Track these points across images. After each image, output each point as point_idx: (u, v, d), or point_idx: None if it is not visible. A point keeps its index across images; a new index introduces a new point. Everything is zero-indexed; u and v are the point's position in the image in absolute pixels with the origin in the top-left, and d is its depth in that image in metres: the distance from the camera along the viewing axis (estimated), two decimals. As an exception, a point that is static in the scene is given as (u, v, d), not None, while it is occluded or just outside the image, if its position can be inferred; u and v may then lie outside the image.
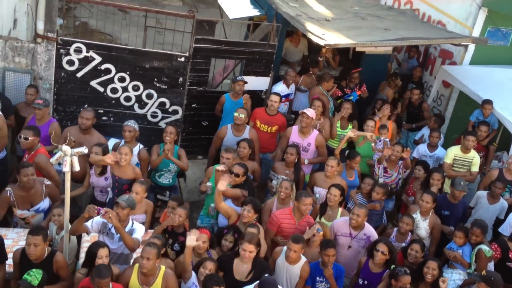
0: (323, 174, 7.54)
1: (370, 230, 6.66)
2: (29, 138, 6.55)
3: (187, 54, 8.47)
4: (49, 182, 6.37)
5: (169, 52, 8.50)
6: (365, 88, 9.91)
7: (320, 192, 7.44)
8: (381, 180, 8.00)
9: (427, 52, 11.06)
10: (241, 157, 7.53)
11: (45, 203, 6.35)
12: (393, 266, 6.16)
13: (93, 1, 8.36)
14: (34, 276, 4.83)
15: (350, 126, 8.84)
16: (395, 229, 7.08)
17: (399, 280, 5.77)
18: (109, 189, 6.94)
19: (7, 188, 6.26)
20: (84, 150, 5.37)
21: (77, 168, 5.27)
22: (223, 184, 6.31)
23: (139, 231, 5.81)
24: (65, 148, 5.23)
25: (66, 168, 5.23)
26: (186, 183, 8.47)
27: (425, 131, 9.42)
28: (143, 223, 6.39)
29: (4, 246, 5.42)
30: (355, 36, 8.79)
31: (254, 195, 7.27)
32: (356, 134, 8.30)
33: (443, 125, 9.76)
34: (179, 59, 8.47)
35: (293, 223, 6.58)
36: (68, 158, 5.20)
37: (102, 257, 5.25)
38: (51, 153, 6.81)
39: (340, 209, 6.99)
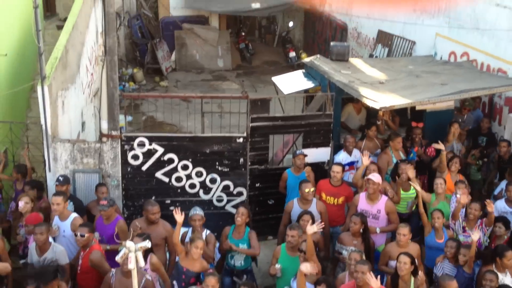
0: (395, 244, 7.21)
1: None
2: (85, 235, 6.72)
3: (244, 134, 8.61)
4: (149, 277, 6.39)
5: (227, 134, 8.69)
6: (433, 149, 9.53)
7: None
8: (460, 238, 7.54)
9: (492, 102, 10.67)
10: (304, 231, 7.38)
11: None
12: None
13: (155, 96, 8.77)
14: None
15: (412, 190, 8.48)
16: None
17: None
18: (174, 282, 6.93)
19: (112, 270, 6.37)
20: (147, 244, 5.43)
21: (142, 263, 5.32)
22: (307, 267, 6.17)
23: None
24: (129, 244, 5.30)
25: (132, 265, 5.28)
26: (258, 267, 8.33)
27: (504, 185, 8.90)
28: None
29: None
30: (410, 95, 8.66)
31: (325, 272, 7.05)
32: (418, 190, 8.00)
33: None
34: (237, 140, 8.62)
35: None
36: (132, 254, 5.26)
37: None
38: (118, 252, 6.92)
39: (413, 279, 6.61)
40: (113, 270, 6.39)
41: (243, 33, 19.63)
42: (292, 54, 18.55)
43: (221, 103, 10.63)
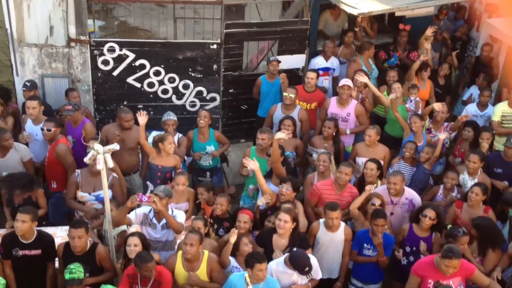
0: (364, 143, 7.41)
1: (411, 193, 6.56)
2: (52, 129, 6.80)
3: (218, 41, 8.44)
4: (116, 175, 6.53)
5: (200, 41, 8.51)
6: (415, 53, 9.48)
7: (363, 162, 7.29)
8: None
9: (472, 8, 10.52)
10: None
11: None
12: (449, 226, 6.11)
13: (122, -1, 8.44)
14: (77, 271, 4.94)
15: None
16: (441, 186, 6.89)
17: (458, 241, 5.60)
18: (148, 182, 7.06)
19: (76, 170, 6.57)
20: (116, 146, 5.46)
21: (110, 165, 5.37)
22: (255, 164, 6.32)
23: (180, 217, 5.89)
24: (97, 146, 5.32)
25: (100, 166, 5.33)
26: (229, 167, 8.50)
27: (473, 90, 9.00)
28: (186, 211, 6.48)
29: (55, 244, 5.62)
30: (389, 1, 8.47)
31: (295, 175, 7.21)
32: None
33: (493, 82, 9.28)
34: (211, 47, 8.47)
35: (334, 194, 6.49)
36: (101, 155, 5.29)
37: (131, 245, 5.34)
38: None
39: (380, 182, 6.84)
40: (78, 170, 6.54)
41: None
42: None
43: (196, 8, 10.30)
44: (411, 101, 8.27)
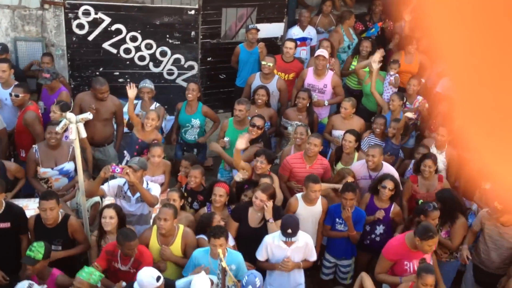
0: (340, 116, 7.42)
1: (389, 169, 6.57)
2: (20, 95, 6.64)
3: (196, 6, 8.27)
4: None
5: (178, 6, 8.32)
6: (391, 23, 9.43)
7: (340, 134, 7.31)
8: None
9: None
10: (258, 105, 7.43)
11: (69, 165, 6.34)
12: (420, 201, 6.16)
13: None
14: (37, 250, 4.82)
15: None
16: (413, 161, 6.95)
17: (428, 216, 5.66)
18: (125, 151, 6.98)
19: (33, 146, 6.33)
20: (89, 116, 5.34)
21: (83, 134, 5.26)
22: (242, 143, 6.25)
23: (155, 190, 5.83)
24: (70, 115, 5.20)
25: (73, 136, 5.22)
26: (208, 139, 8.45)
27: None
28: (162, 184, 6.43)
29: (25, 216, 5.52)
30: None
31: (270, 147, 7.19)
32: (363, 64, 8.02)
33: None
34: (189, 12, 8.30)
35: (304, 167, 6.51)
36: (73, 125, 5.18)
37: (106, 217, 5.31)
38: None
39: (357, 154, 6.85)
40: (35, 146, 6.32)
41: None
42: None
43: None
44: (390, 75, 8.22)
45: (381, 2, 9.36)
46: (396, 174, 6.53)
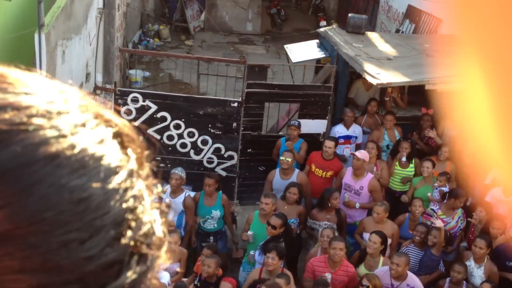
0: (372, 219, 7.17)
1: (414, 281, 6.16)
2: None
3: (239, 99, 8.55)
4: None
5: (222, 98, 8.64)
6: (433, 141, 9.15)
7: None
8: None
9: None
10: (289, 203, 7.36)
11: None
12: None
13: (151, 53, 8.77)
14: None
15: (412, 165, 8.32)
16: (447, 279, 6.47)
17: None
18: None
19: None
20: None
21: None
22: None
23: (165, 278, 5.80)
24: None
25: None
26: (236, 229, 8.39)
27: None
28: (177, 272, 6.38)
29: None
30: (413, 74, 8.36)
31: (293, 246, 6.99)
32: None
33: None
34: (232, 105, 8.57)
35: (328, 272, 6.23)
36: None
37: None
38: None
39: (382, 258, 6.53)
40: None
41: (275, -2, 19.31)
42: (323, 23, 18.13)
43: (229, 66, 10.58)
44: (436, 189, 7.87)
45: (429, 118, 9.16)
46: (420, 287, 6.13)
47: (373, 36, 10.68)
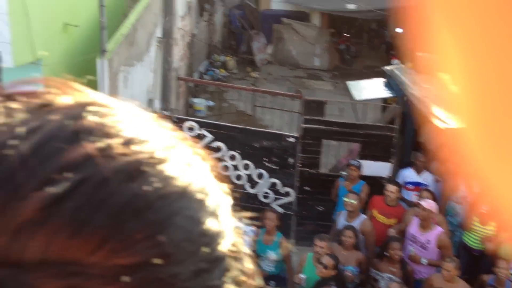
0: (441, 277, 6.53)
1: None
2: None
3: (296, 134, 8.24)
4: None
5: (277, 132, 8.39)
6: None
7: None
8: None
9: None
10: (346, 248, 6.90)
11: None
12: None
13: (210, 83, 8.68)
14: None
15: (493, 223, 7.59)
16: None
17: None
18: None
19: None
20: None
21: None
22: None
23: None
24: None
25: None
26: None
27: None
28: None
29: None
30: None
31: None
32: None
33: None
34: (288, 139, 8.29)
35: None
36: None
37: None
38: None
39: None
40: None
41: (345, 34, 19.02)
42: (395, 61, 17.66)
43: (293, 100, 10.38)
44: None
45: None
46: None
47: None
